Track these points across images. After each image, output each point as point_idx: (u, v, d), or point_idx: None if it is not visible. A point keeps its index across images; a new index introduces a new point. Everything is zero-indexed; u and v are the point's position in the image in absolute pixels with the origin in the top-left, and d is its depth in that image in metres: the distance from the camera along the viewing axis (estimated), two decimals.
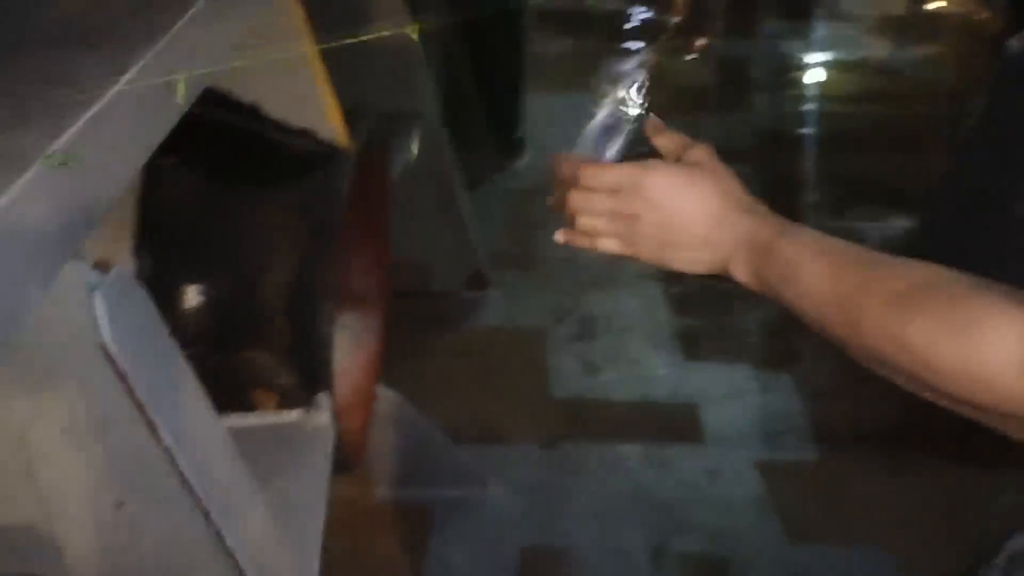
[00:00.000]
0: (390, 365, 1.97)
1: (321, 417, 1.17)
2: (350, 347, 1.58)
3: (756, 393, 2.00)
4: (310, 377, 1.18)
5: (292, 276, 1.21)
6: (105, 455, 0.69)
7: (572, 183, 0.77)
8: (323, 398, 1.18)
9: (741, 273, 0.70)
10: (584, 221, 0.76)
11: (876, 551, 1.57)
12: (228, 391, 1.22)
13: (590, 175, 0.76)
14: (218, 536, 0.71)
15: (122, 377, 0.62)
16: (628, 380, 2.03)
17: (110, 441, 0.67)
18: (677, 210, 0.72)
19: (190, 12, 0.73)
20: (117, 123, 0.61)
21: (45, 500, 0.72)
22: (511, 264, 2.39)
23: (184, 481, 0.68)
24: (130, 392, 0.63)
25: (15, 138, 0.54)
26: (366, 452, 1.43)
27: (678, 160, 0.76)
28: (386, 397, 1.59)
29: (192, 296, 1.20)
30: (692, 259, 0.73)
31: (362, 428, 1.46)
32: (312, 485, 1.09)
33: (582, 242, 0.79)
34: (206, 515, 0.70)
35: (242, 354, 1.23)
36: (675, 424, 1.91)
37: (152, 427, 0.65)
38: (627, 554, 1.62)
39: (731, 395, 1.99)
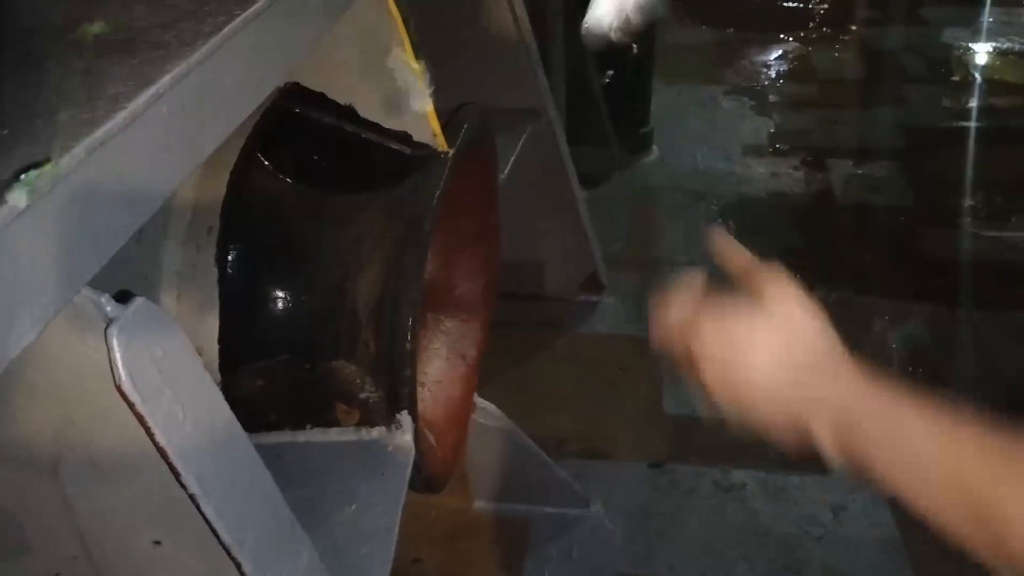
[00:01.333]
0: (495, 370, 1.91)
1: (402, 436, 1.11)
2: (448, 354, 1.52)
3: None
4: (393, 395, 1.13)
5: (380, 285, 1.15)
6: (136, 494, 0.64)
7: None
8: (405, 417, 1.12)
9: (825, 442, 0.61)
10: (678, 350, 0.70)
11: None
12: (310, 403, 1.18)
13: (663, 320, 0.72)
14: None
15: (141, 420, 0.57)
16: None
17: (139, 481, 0.63)
18: (741, 361, 0.64)
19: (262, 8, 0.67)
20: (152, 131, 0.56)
21: (82, 534, 0.68)
22: (630, 268, 2.28)
23: (213, 530, 0.62)
24: (150, 435, 0.58)
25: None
26: (456, 469, 1.37)
27: (750, 285, 0.69)
28: (484, 409, 1.52)
29: (277, 303, 1.16)
30: (762, 418, 0.65)
31: (455, 443, 1.40)
32: (386, 508, 1.03)
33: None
34: (238, 566, 0.64)
35: (326, 365, 1.18)
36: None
37: (175, 472, 0.60)
38: None
39: None
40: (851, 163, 2.70)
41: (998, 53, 3.36)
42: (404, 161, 1.27)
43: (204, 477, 0.61)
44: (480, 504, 1.65)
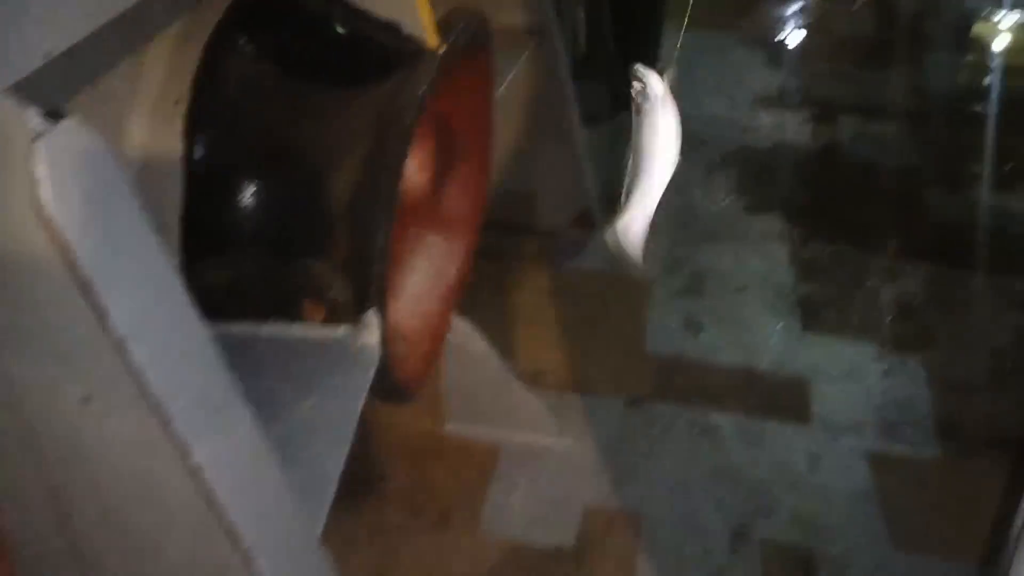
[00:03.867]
0: (478, 300, 1.87)
1: (369, 337, 1.07)
2: (428, 269, 1.48)
3: (878, 376, 1.78)
4: (362, 294, 1.08)
5: (356, 183, 1.10)
6: (60, 338, 0.60)
7: None
8: (372, 316, 1.08)
9: None
10: None
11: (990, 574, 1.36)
12: (276, 298, 1.14)
13: None
14: (183, 448, 0.62)
15: (64, 249, 0.53)
16: (734, 344, 1.85)
17: (62, 323, 0.58)
18: None
19: None
20: None
21: (12, 385, 0.64)
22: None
23: (141, 380, 0.58)
24: (72, 268, 0.53)
25: None
26: (426, 382, 1.33)
27: None
28: (461, 329, 1.48)
29: (248, 192, 1.11)
30: None
31: (427, 357, 1.36)
32: (345, 407, 1.00)
33: None
34: (166, 423, 0.60)
35: (296, 262, 1.14)
36: (780, 399, 1.73)
37: (101, 313, 0.55)
38: (703, 531, 1.47)
39: (849, 375, 1.78)
40: (860, 120, 2.64)
41: (1019, 25, 3.27)
42: (392, 56, 1.21)
43: (134, 321, 0.57)
44: (451, 427, 1.62)
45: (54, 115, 0.53)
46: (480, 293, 1.88)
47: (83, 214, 0.54)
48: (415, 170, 1.49)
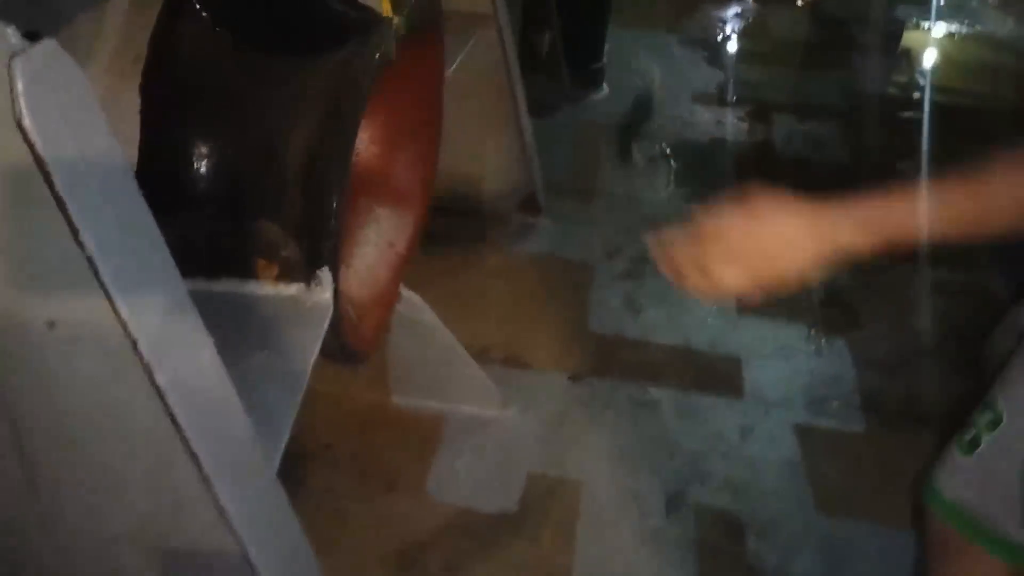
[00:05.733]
0: (426, 280, 1.91)
1: (321, 295, 1.11)
2: (378, 239, 1.52)
3: (806, 355, 1.87)
4: (315, 253, 1.12)
5: (311, 146, 1.14)
6: (28, 254, 0.62)
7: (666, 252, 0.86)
8: (325, 275, 1.11)
9: (852, 235, 0.77)
10: (693, 277, 0.82)
11: (909, 536, 1.45)
12: (230, 256, 1.17)
13: (671, 243, 0.86)
14: (147, 371, 0.65)
15: (40, 164, 0.56)
16: (671, 324, 1.92)
17: (32, 241, 0.61)
18: (766, 223, 0.79)
19: None
20: None
21: None
22: (569, 195, 2.29)
23: (110, 299, 0.61)
24: (50, 184, 0.56)
25: None
26: (375, 348, 1.37)
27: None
28: (410, 300, 1.52)
29: (203, 152, 1.14)
30: (798, 252, 0.78)
31: (377, 323, 1.39)
32: (298, 359, 1.03)
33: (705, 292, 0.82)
34: (133, 344, 0.63)
35: (250, 220, 1.17)
36: (714, 375, 1.80)
37: (73, 228, 0.58)
38: (640, 497, 1.53)
39: (778, 353, 1.87)
40: (795, 119, 2.75)
41: (946, 34, 3.43)
42: (347, 24, 1.25)
43: (104, 242, 0.60)
44: (397, 399, 1.65)
45: (32, 36, 0.56)
46: (429, 273, 1.92)
47: (59, 131, 0.57)
48: (366, 142, 1.53)
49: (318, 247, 1.12)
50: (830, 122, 2.77)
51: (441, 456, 1.56)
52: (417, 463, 1.54)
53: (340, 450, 1.56)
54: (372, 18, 1.22)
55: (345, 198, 1.15)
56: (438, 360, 1.59)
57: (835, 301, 2.02)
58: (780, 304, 1.99)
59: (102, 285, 0.61)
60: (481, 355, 1.77)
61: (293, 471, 1.51)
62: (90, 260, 0.60)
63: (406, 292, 1.52)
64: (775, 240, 0.79)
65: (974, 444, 1.07)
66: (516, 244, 2.10)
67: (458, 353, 1.59)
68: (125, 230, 0.63)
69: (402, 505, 1.46)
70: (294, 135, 1.15)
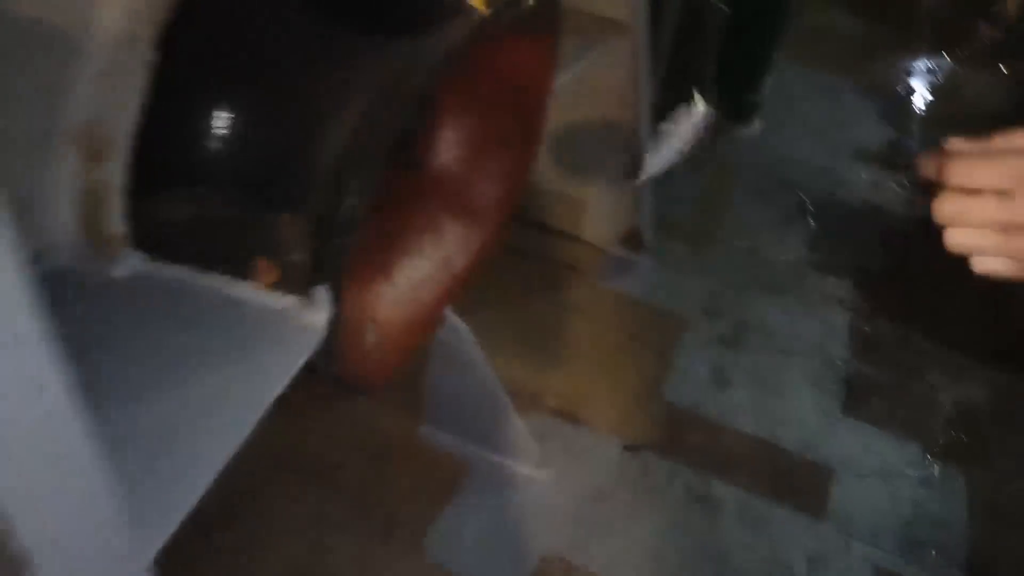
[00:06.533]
0: (496, 298, 1.73)
1: (314, 315, 0.93)
2: (433, 252, 1.34)
3: (912, 483, 1.57)
4: (320, 261, 0.95)
5: (350, 143, 0.96)
6: None
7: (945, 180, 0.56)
8: (324, 294, 0.94)
9: None
10: (958, 234, 0.58)
11: None
12: (231, 248, 1.01)
13: (961, 171, 0.56)
14: None
15: None
16: (759, 410, 1.65)
17: None
18: None
19: None
20: None
21: None
22: (682, 236, 2.04)
23: None
24: None
25: None
26: (387, 381, 1.19)
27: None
28: (454, 327, 1.33)
29: (225, 125, 0.98)
30: None
31: (400, 352, 1.21)
32: (260, 389, 0.86)
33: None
34: None
35: (265, 211, 1.01)
36: (796, 483, 1.53)
37: None
38: None
39: (879, 473, 1.58)
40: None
41: None
42: (433, 10, 1.07)
43: None
44: (426, 429, 1.47)
45: None
46: (500, 290, 1.74)
47: None
48: (448, 142, 1.36)
49: (323, 257, 0.95)
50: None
51: (452, 509, 1.37)
52: (424, 510, 1.36)
53: (348, 473, 1.40)
54: (454, 5, 1.04)
55: (375, 212, 0.97)
56: (475, 400, 1.40)
57: (965, 422, 1.70)
58: (895, 413, 1.70)
59: None
60: (532, 400, 1.57)
61: (289, 484, 1.36)
62: None
63: (452, 317, 1.34)
64: None
65: None
66: (607, 280, 1.87)
67: (499, 397, 1.39)
68: None
69: (389, 556, 1.28)
70: (336, 123, 0.98)
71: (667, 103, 2.32)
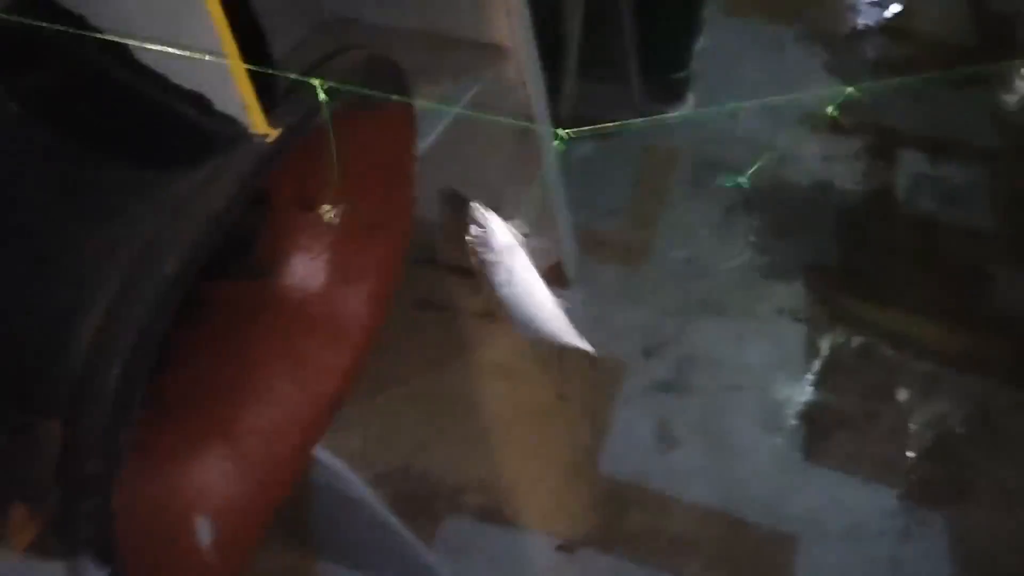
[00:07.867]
0: (406, 369, 1.51)
1: None
2: (287, 391, 1.12)
3: (887, 538, 1.39)
4: (72, 522, 0.72)
5: (102, 328, 0.73)
6: None
7: None
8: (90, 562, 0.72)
9: None
10: None
11: None
12: None
13: None
14: None
15: None
16: (712, 470, 1.46)
17: None
18: None
19: None
20: None
21: None
22: (614, 255, 1.81)
23: None
24: None
25: None
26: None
27: None
28: (326, 467, 1.12)
29: None
30: None
31: (260, 528, 1.00)
32: None
33: None
34: None
35: (27, 419, 0.79)
36: (757, 561, 1.35)
37: None
38: None
39: (852, 534, 1.39)
40: (925, 159, 2.16)
41: None
42: (201, 138, 0.84)
43: None
44: (324, 565, 1.27)
45: None
46: (405, 356, 1.52)
47: None
48: (289, 246, 1.13)
49: (76, 518, 0.72)
50: (972, 166, 2.17)
51: None
52: None
53: None
54: (235, 134, 0.79)
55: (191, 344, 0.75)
56: (369, 536, 1.20)
57: (941, 451, 1.51)
58: (863, 451, 1.51)
59: None
60: (451, 500, 1.37)
61: None
62: None
63: (324, 457, 1.12)
64: None
65: None
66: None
67: (397, 531, 1.18)
68: None
69: None
70: (96, 303, 0.75)
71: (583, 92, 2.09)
